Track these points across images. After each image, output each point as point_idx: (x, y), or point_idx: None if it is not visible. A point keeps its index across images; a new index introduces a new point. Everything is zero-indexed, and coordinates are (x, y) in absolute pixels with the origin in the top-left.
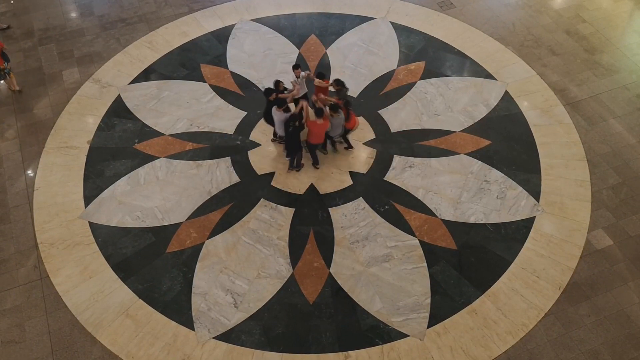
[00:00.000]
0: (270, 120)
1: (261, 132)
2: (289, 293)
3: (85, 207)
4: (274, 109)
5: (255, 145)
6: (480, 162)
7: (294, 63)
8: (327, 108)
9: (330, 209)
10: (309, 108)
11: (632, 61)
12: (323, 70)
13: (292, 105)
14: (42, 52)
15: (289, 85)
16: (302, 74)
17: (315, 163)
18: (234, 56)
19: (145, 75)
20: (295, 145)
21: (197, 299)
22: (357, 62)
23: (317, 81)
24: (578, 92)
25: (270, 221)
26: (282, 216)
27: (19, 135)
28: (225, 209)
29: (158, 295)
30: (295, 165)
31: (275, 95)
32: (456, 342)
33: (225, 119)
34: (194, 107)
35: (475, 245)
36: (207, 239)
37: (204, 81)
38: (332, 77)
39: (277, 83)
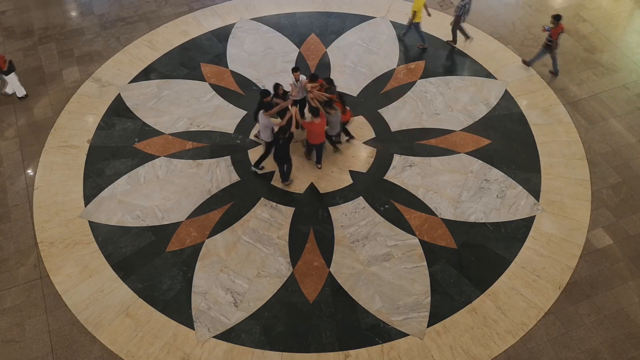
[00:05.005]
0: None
1: None
2: (289, 292)
3: (85, 206)
4: (261, 112)
5: (256, 144)
6: (480, 161)
7: (294, 66)
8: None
9: (330, 208)
10: (298, 114)
11: (632, 60)
12: (324, 69)
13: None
14: (42, 51)
15: (288, 89)
16: (302, 77)
17: (319, 162)
18: (234, 55)
19: (145, 74)
20: (285, 156)
21: (197, 298)
22: (357, 61)
23: (309, 86)
24: (578, 91)
25: (270, 220)
26: (282, 215)
27: (19, 134)
28: (225, 208)
29: (158, 294)
30: (284, 179)
31: (271, 98)
32: (456, 341)
33: (226, 118)
34: (194, 106)
35: (475, 245)
36: (207, 238)
37: (204, 80)
38: (333, 76)
39: (277, 86)
